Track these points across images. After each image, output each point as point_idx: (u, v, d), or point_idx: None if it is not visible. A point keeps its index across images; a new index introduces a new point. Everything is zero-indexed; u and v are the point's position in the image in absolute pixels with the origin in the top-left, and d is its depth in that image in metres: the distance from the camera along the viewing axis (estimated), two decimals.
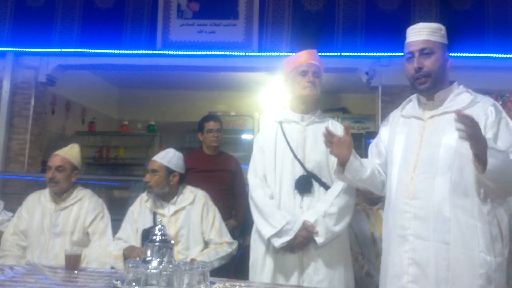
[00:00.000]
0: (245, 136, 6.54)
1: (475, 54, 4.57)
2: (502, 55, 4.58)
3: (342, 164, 2.03)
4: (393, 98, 4.52)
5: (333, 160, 2.21)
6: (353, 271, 2.55)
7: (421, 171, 1.84)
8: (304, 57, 2.37)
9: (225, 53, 4.83)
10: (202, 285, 1.72)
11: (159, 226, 1.89)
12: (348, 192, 2.25)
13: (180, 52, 4.87)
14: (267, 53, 4.72)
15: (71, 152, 2.79)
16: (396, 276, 1.85)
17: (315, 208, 2.21)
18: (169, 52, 4.89)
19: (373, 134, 2.32)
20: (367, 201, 2.77)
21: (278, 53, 4.68)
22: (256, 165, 2.37)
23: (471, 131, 1.62)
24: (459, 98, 1.90)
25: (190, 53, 4.86)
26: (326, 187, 2.27)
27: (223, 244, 2.68)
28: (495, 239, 1.76)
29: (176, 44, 4.91)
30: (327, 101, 6.58)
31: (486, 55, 4.58)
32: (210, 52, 4.83)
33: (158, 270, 1.72)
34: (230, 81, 6.03)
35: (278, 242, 2.16)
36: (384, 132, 2.13)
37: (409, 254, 1.82)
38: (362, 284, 2.55)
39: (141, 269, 1.71)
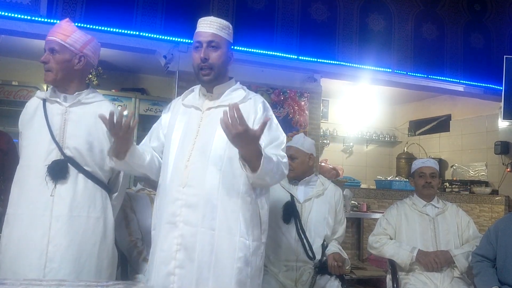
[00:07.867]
0: None
1: (264, 51, 4.93)
2: (286, 55, 5.08)
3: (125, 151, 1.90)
4: (189, 84, 4.37)
5: (100, 143, 2.16)
6: (132, 257, 2.54)
7: (195, 159, 1.91)
8: (53, 30, 2.17)
9: (6, 14, 4.20)
10: None
11: None
12: None
13: None
14: (58, 21, 4.25)
15: None
16: (163, 262, 1.88)
17: None
18: None
19: None
20: (151, 186, 2.76)
21: None
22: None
23: (235, 131, 1.65)
24: (235, 93, 2.05)
25: None
26: (88, 174, 2.13)
27: None
28: (254, 225, 1.93)
29: None
30: (126, 80, 6.39)
31: (273, 53, 5.00)
32: None
33: None
34: (14, 47, 5.27)
35: None
36: (164, 118, 2.15)
37: (178, 240, 1.87)
38: (139, 269, 2.54)
39: None
